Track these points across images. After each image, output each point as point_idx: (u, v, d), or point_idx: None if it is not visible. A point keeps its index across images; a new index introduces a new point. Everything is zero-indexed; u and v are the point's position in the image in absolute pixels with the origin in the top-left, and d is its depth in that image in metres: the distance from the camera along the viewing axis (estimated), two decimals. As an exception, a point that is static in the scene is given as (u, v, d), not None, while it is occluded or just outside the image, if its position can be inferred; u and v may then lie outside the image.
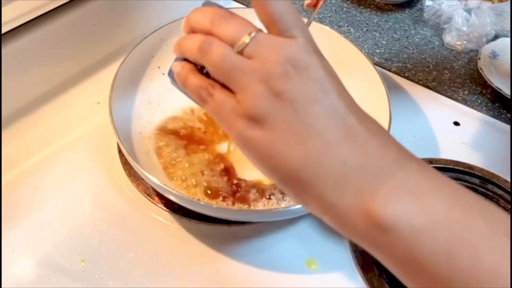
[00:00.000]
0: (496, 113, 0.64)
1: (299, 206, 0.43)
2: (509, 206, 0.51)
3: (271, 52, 0.26)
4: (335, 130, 0.26)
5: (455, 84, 0.69)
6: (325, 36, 0.56)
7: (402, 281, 0.26)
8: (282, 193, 0.50)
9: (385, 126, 0.49)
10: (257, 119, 0.26)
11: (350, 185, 0.25)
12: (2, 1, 0.50)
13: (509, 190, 0.52)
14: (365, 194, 0.25)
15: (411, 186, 0.25)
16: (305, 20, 0.46)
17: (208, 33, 0.28)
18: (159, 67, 0.60)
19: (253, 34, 0.26)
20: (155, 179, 0.43)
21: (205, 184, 0.50)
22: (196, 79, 0.29)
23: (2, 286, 0.44)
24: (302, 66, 0.26)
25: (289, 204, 0.48)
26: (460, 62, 0.73)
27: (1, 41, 0.52)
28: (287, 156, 0.26)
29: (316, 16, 0.64)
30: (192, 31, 0.29)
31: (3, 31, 0.52)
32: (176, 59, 0.31)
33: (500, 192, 0.53)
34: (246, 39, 0.26)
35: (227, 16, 0.28)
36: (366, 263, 0.46)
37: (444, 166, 0.55)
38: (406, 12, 0.83)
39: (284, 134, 0.26)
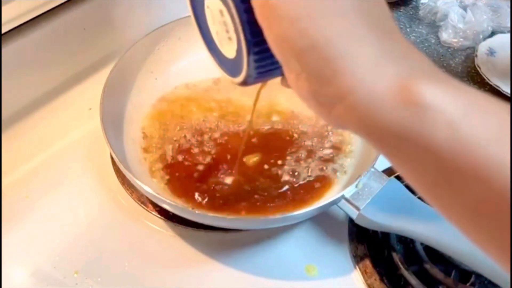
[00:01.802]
0: (494, 111, 0.63)
1: (297, 212, 0.42)
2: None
3: None
4: (376, 26, 0.24)
5: (453, 82, 0.68)
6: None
7: (426, 185, 0.23)
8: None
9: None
10: None
11: (386, 64, 0.23)
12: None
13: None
14: (402, 74, 0.22)
15: (451, 81, 0.23)
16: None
17: None
18: (151, 72, 0.59)
19: None
20: (148, 188, 0.42)
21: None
22: None
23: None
24: None
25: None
26: (457, 59, 0.72)
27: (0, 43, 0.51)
28: (322, 21, 0.23)
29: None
30: None
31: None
32: None
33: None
34: None
35: None
36: (367, 268, 0.45)
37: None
38: (401, 10, 0.82)
39: (322, 3, 0.23)
